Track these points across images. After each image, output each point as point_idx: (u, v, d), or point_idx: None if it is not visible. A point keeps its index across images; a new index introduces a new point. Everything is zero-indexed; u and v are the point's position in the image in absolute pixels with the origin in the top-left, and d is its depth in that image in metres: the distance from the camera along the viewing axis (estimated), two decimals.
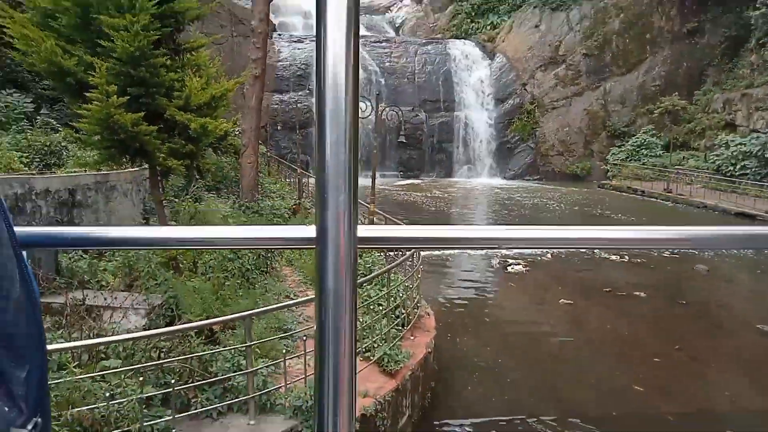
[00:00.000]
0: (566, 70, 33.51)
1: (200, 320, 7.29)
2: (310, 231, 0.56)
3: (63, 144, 12.32)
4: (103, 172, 10.67)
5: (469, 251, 16.60)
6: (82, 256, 10.02)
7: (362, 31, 36.41)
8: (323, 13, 0.48)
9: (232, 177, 17.35)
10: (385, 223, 14.41)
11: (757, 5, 25.88)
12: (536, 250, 17.07)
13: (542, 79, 33.92)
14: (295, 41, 33.27)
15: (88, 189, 10.67)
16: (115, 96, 6.92)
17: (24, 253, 0.60)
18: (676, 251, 17.25)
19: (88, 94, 6.96)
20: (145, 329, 7.11)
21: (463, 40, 36.10)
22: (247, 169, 14.88)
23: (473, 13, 37.60)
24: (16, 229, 0.57)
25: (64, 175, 10.39)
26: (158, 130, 8.03)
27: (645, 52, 33.03)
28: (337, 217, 0.47)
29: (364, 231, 0.62)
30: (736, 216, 21.74)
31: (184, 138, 8.79)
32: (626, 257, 16.03)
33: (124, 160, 8.03)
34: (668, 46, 32.92)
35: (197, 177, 16.22)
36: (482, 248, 0.71)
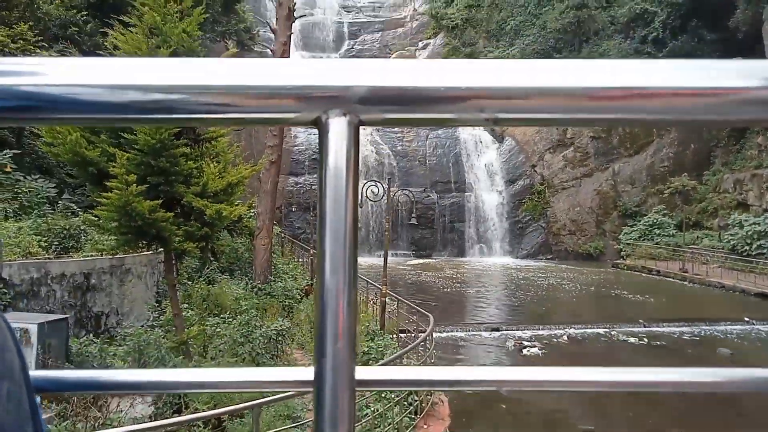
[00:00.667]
0: (574, 152, 34.18)
1: (208, 408, 7.13)
2: (308, 373, 0.59)
3: (82, 228, 12.59)
4: (118, 256, 10.84)
5: (483, 333, 16.27)
6: (92, 340, 9.99)
7: None
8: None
9: (246, 258, 17.47)
10: (397, 305, 14.28)
11: None
12: (553, 330, 16.68)
13: (551, 161, 34.54)
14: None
15: (103, 272, 10.80)
16: (135, 185, 7.18)
17: (38, 398, 0.63)
18: (697, 332, 16.77)
19: (108, 183, 7.23)
20: (152, 418, 6.96)
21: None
22: (261, 250, 15.04)
23: None
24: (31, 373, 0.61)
25: (80, 259, 10.56)
26: (175, 216, 8.24)
27: (651, 134, 33.72)
28: (334, 362, 0.48)
29: (363, 373, 0.65)
30: (756, 296, 21.27)
31: (200, 222, 9.00)
32: (645, 339, 15.60)
33: (141, 244, 8.20)
34: (675, 129, 33.64)
35: (212, 259, 16.42)
36: (484, 389, 0.73)
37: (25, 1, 17.92)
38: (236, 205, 9.94)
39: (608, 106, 0.43)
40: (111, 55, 9.51)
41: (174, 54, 9.47)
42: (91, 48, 19.03)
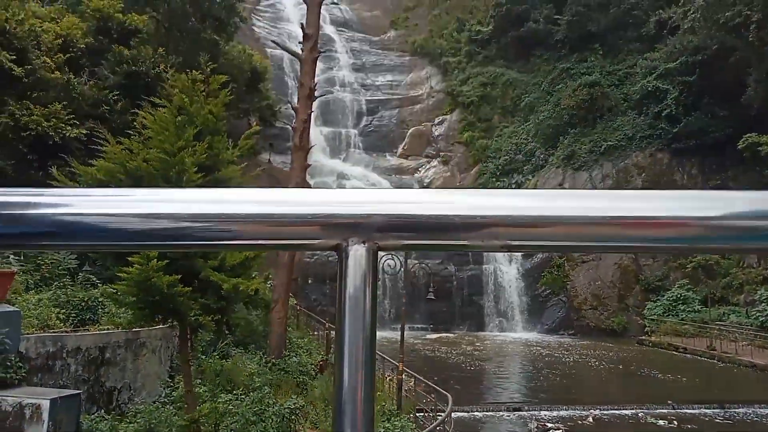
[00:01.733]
0: None
1: None
2: None
3: (100, 300, 12.65)
4: (134, 330, 10.80)
5: (503, 413, 15.61)
6: (103, 417, 9.79)
7: None
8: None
9: (260, 331, 17.28)
10: (414, 383, 13.87)
11: None
12: (577, 411, 15.92)
13: None
14: None
15: (118, 347, 10.74)
16: (155, 261, 7.27)
17: None
18: (729, 414, 15.89)
19: (129, 258, 7.34)
20: None
21: None
22: (276, 324, 14.90)
23: (498, 173, 39.47)
24: None
25: (96, 333, 10.55)
26: (192, 290, 8.27)
27: None
28: None
29: None
30: None
31: (217, 296, 9.00)
32: (675, 422, 14.83)
33: (157, 319, 8.19)
34: None
35: (226, 332, 16.26)
36: None
37: (62, 82, 18.95)
38: (253, 278, 9.96)
39: (614, 235, 0.43)
40: (139, 133, 9.90)
41: (199, 133, 9.84)
42: (120, 126, 19.85)
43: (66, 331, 10.40)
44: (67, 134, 18.56)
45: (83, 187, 8.33)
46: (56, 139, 18.33)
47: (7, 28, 17.73)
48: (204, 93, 10.43)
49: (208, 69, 10.97)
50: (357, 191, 0.49)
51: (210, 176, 9.48)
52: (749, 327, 25.92)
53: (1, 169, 19.61)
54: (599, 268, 33.31)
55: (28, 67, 17.94)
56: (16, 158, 19.06)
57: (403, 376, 12.95)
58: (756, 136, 28.45)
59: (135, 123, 10.31)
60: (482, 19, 48.43)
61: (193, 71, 10.96)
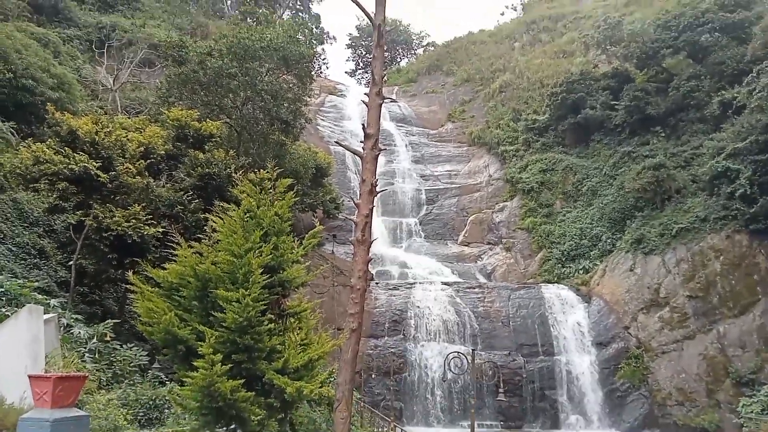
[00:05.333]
0: (671, 312, 31.95)
1: None
2: None
3: (167, 398, 12.75)
4: None
5: None
6: None
7: (454, 278, 37.80)
8: None
9: (324, 430, 16.80)
10: None
11: None
12: None
13: (646, 322, 32.33)
14: (391, 288, 34.87)
15: None
16: (219, 364, 7.32)
17: None
18: None
19: (195, 363, 7.43)
20: None
21: (555, 284, 36.22)
22: (340, 424, 14.41)
23: (564, 259, 38.32)
24: None
25: None
26: (255, 394, 8.21)
27: (755, 293, 31.18)
28: None
29: None
30: None
31: (280, 400, 8.88)
32: None
33: (220, 424, 8.11)
34: None
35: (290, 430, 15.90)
36: None
37: (142, 186, 20.41)
38: (317, 378, 9.81)
39: None
40: (208, 237, 10.36)
41: (265, 234, 10.19)
42: (193, 223, 20.97)
43: None
44: (145, 233, 19.70)
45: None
46: (135, 237, 19.46)
47: (96, 139, 19.52)
48: (271, 193, 10.90)
49: (275, 172, 11.50)
50: None
51: (275, 276, 9.67)
52: None
53: (83, 268, 20.88)
54: (682, 359, 30.84)
55: (113, 173, 19.49)
56: (97, 257, 20.29)
57: None
58: None
59: (206, 226, 10.82)
60: (538, 109, 49.21)
61: (262, 171, 11.53)
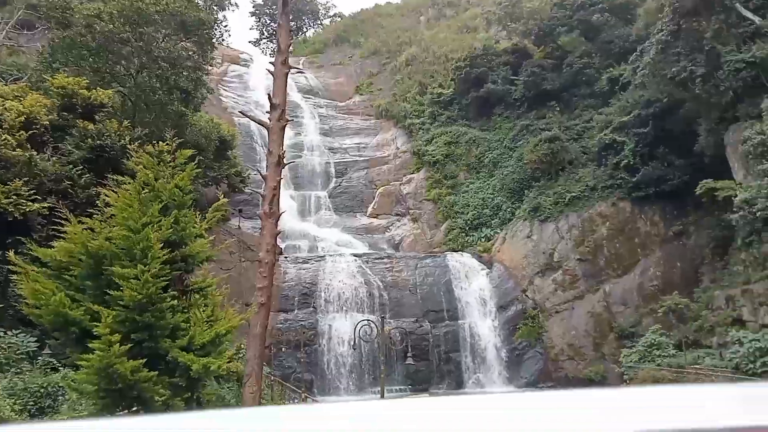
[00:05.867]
0: (563, 275, 34.36)
1: None
2: None
3: (60, 385, 12.02)
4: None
5: None
6: None
7: (364, 250, 38.25)
8: None
9: (233, 406, 16.61)
10: None
11: (734, 209, 27.54)
12: None
13: (541, 285, 34.57)
14: (300, 262, 34.69)
15: None
16: (118, 345, 6.99)
17: None
18: None
19: (90, 344, 7.03)
20: None
21: (460, 252, 37.70)
22: (249, 399, 14.29)
23: (467, 228, 39.89)
24: None
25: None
26: (158, 373, 7.93)
27: (636, 254, 34.24)
28: None
29: None
30: None
31: (186, 377, 8.64)
32: None
33: (120, 407, 7.76)
34: (658, 248, 34.26)
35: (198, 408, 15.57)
36: None
37: (24, 159, 18.71)
38: (224, 354, 9.65)
39: None
40: (101, 211, 9.74)
41: (165, 208, 9.73)
42: (84, 200, 19.54)
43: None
44: (28, 210, 18.16)
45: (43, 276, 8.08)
46: (16, 215, 17.89)
47: None
48: (171, 166, 10.41)
49: (174, 143, 10.98)
50: None
51: (177, 251, 9.31)
52: (724, 369, 26.06)
53: None
54: (573, 318, 33.41)
55: None
56: None
57: None
58: (712, 182, 29.57)
59: (98, 201, 10.16)
60: (443, 83, 50.21)
61: (160, 143, 10.96)
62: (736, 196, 27.54)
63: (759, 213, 25.80)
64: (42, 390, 11.43)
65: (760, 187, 26.07)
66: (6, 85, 24.72)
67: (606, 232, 34.97)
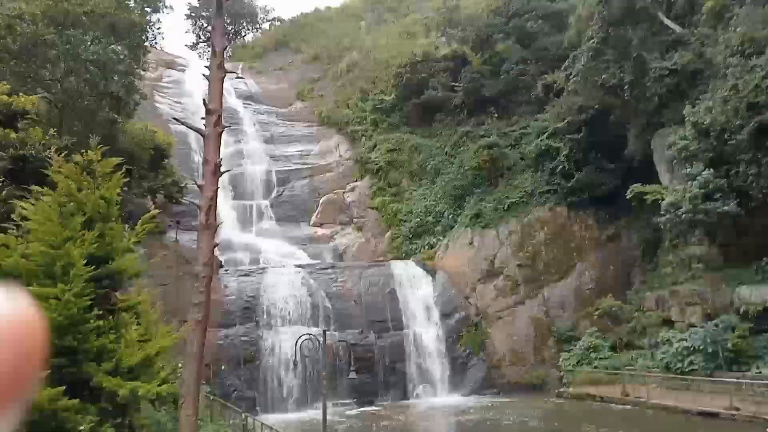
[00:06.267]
0: (504, 280, 34.98)
1: None
2: None
3: None
4: None
5: None
6: None
7: (307, 261, 37.62)
8: None
9: (170, 430, 15.78)
10: None
11: (661, 212, 28.83)
12: None
13: (483, 291, 35.05)
14: (242, 275, 33.69)
15: None
16: None
17: None
18: None
19: None
20: None
21: (404, 261, 37.72)
22: (186, 424, 13.59)
23: (411, 236, 40.04)
24: None
25: None
26: (81, 401, 7.34)
27: (573, 258, 35.32)
28: None
29: None
30: (697, 415, 21.26)
31: (112, 404, 8.06)
32: None
33: None
34: (593, 252, 35.49)
35: None
36: None
37: None
38: (157, 376, 9.09)
39: None
40: (18, 226, 8.99)
41: (89, 221, 9.09)
42: (4, 214, 18.19)
43: None
44: None
45: None
46: None
47: None
48: (98, 176, 9.77)
49: (100, 151, 10.33)
50: None
51: (102, 267, 8.71)
52: (656, 369, 27.17)
53: None
54: (514, 323, 33.98)
55: None
56: None
57: None
58: (641, 186, 30.91)
59: (13, 215, 9.39)
60: (385, 89, 50.41)
61: (89, 152, 10.29)
62: (663, 199, 28.83)
63: (684, 216, 27.10)
64: None
65: (685, 190, 27.41)
66: None
67: (544, 238, 35.88)
